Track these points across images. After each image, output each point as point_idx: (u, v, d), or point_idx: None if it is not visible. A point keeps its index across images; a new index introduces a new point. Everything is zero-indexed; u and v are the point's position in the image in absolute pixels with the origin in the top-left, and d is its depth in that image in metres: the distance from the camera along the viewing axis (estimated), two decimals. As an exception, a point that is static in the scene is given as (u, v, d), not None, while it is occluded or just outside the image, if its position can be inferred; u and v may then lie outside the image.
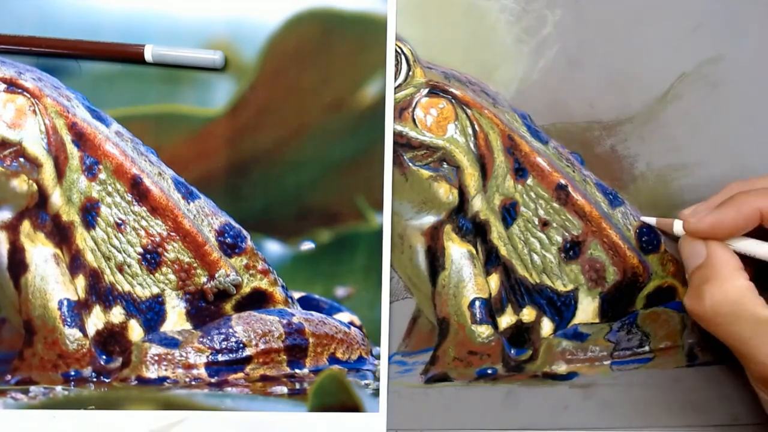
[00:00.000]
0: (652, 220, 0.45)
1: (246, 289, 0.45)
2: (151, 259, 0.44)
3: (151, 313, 0.44)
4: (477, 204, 0.46)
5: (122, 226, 0.44)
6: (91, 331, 0.44)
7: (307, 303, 0.46)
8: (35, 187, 0.43)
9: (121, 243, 0.44)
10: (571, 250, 0.46)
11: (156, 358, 0.43)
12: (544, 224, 0.46)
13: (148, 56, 0.45)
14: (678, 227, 0.43)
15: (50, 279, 0.43)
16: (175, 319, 0.44)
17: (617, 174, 0.47)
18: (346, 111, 0.46)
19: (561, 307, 0.46)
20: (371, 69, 0.46)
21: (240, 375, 0.43)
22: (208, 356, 0.43)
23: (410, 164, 0.46)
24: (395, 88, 0.46)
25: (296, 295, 0.46)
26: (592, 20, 0.47)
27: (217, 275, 0.44)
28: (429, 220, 0.46)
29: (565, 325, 0.46)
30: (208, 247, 0.44)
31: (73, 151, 0.43)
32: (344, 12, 0.46)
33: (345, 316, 0.46)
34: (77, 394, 0.43)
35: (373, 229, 0.46)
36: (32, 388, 0.43)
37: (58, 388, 0.43)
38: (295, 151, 0.46)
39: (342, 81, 0.46)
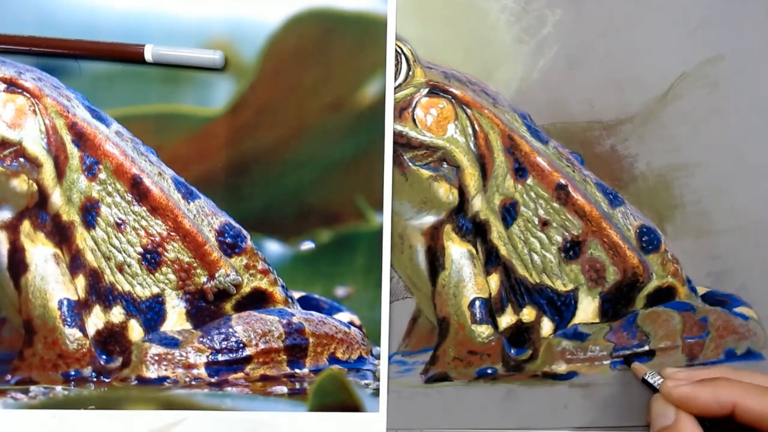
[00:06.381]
0: (641, 369, 0.43)
1: (246, 289, 0.45)
2: (151, 259, 0.44)
3: (151, 312, 0.44)
4: (477, 204, 0.46)
5: (122, 226, 0.44)
6: (91, 330, 0.44)
7: (307, 303, 0.46)
8: (35, 186, 0.43)
9: (121, 243, 0.44)
10: (571, 249, 0.46)
11: (156, 357, 0.43)
12: (544, 224, 0.46)
13: (148, 56, 0.45)
14: (652, 379, 0.42)
15: (50, 279, 0.43)
16: (175, 318, 0.44)
17: (617, 174, 0.47)
18: (346, 111, 0.46)
19: (561, 306, 0.46)
20: (371, 69, 0.46)
21: (240, 375, 0.43)
22: (208, 356, 0.43)
23: (410, 164, 0.46)
24: (395, 88, 0.46)
25: (296, 294, 0.46)
26: (592, 20, 0.47)
27: (217, 275, 0.44)
28: (429, 219, 0.46)
29: (565, 324, 0.46)
30: (208, 247, 0.44)
31: (73, 151, 0.43)
32: (344, 12, 0.46)
33: (345, 316, 0.46)
34: (77, 393, 0.43)
35: (373, 229, 0.46)
36: (32, 387, 0.43)
37: (58, 387, 0.43)
38: (295, 151, 0.46)
39: (342, 81, 0.46)
